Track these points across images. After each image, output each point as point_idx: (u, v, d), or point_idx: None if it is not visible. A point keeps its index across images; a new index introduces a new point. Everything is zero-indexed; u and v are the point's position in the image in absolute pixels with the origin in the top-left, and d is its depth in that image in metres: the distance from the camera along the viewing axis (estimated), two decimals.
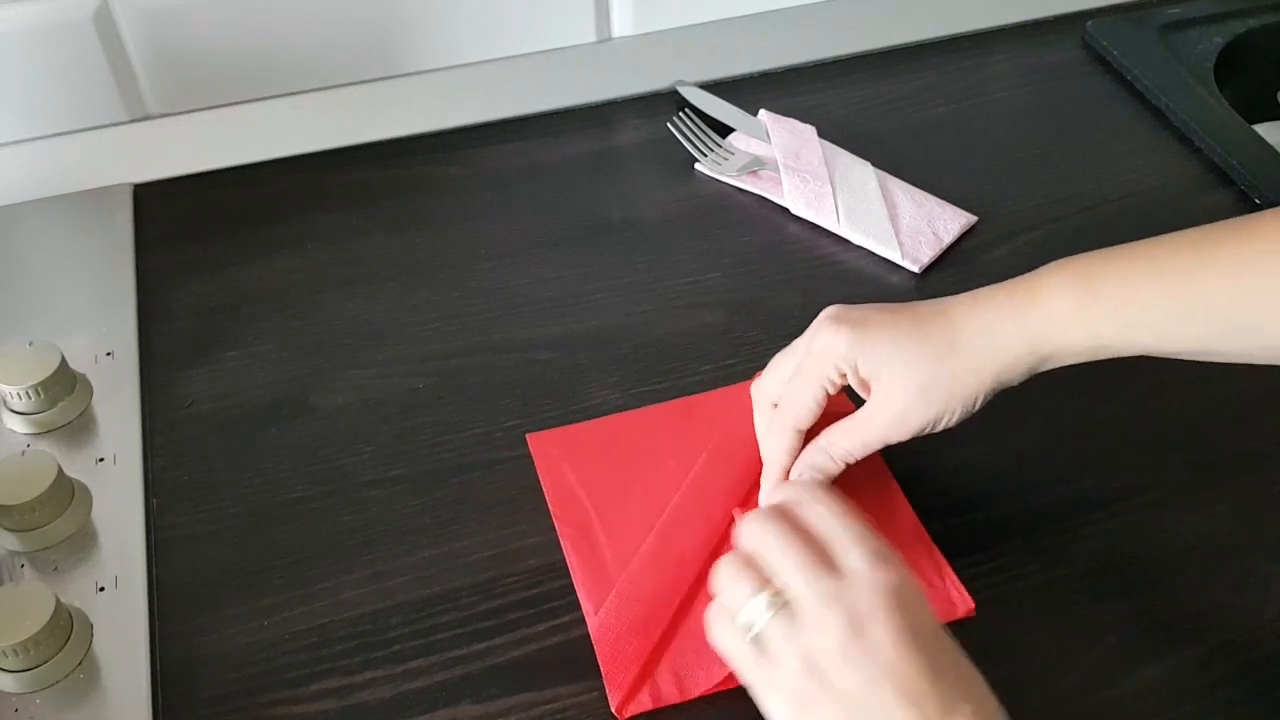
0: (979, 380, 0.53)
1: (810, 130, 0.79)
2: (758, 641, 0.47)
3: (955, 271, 0.72)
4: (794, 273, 0.72)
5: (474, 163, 0.80)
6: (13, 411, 0.63)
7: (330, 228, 0.75)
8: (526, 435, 0.63)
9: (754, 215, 0.76)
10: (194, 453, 0.63)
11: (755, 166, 0.78)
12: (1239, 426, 0.63)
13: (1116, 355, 0.52)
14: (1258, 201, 0.76)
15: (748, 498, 0.59)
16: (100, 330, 0.68)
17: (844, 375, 0.54)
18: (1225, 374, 0.63)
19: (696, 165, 0.79)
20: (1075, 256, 0.53)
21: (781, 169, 0.77)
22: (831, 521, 0.48)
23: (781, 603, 0.46)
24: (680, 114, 0.82)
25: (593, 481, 0.60)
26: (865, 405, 0.55)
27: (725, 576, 0.50)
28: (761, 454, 0.58)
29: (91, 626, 0.55)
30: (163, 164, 0.79)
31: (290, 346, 0.68)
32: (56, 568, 0.57)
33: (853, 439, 0.55)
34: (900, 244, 0.73)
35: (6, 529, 0.58)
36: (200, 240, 0.75)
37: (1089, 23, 0.89)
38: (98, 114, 0.82)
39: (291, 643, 0.55)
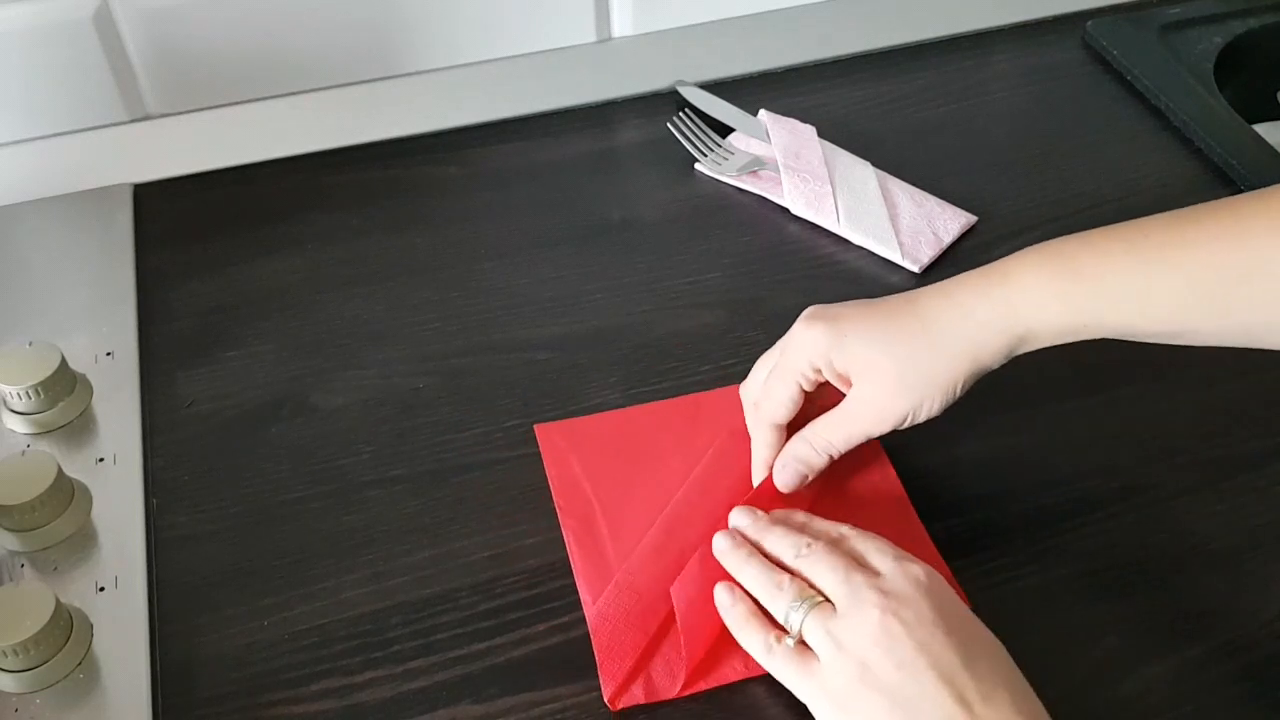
0: (956, 366, 0.53)
1: (810, 130, 0.79)
2: (794, 641, 0.49)
3: (955, 271, 0.71)
4: (794, 273, 0.72)
5: (474, 163, 0.80)
6: (13, 411, 0.63)
7: (330, 228, 0.75)
8: (534, 426, 0.63)
9: (754, 215, 0.76)
10: (194, 453, 0.63)
11: (755, 166, 0.78)
12: (1239, 426, 0.63)
13: (1094, 335, 0.52)
14: None
15: (753, 496, 0.59)
16: (100, 330, 0.68)
17: (819, 371, 0.55)
18: (1226, 374, 0.64)
19: (696, 165, 0.79)
20: (1049, 241, 0.53)
21: (781, 169, 0.77)
22: (855, 535, 0.52)
23: (817, 600, 0.49)
24: (680, 114, 0.82)
25: (598, 474, 0.61)
26: (846, 399, 0.55)
27: (758, 582, 0.51)
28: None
29: (91, 626, 0.55)
30: (163, 164, 0.79)
31: (290, 346, 0.68)
32: (56, 568, 0.57)
33: (835, 432, 0.56)
34: (900, 244, 0.73)
35: (6, 529, 0.58)
36: (200, 240, 0.75)
37: (1089, 23, 0.89)
38: (98, 114, 0.82)
39: (291, 643, 0.55)
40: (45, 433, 0.63)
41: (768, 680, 0.52)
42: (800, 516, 0.56)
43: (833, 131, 0.80)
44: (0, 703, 0.52)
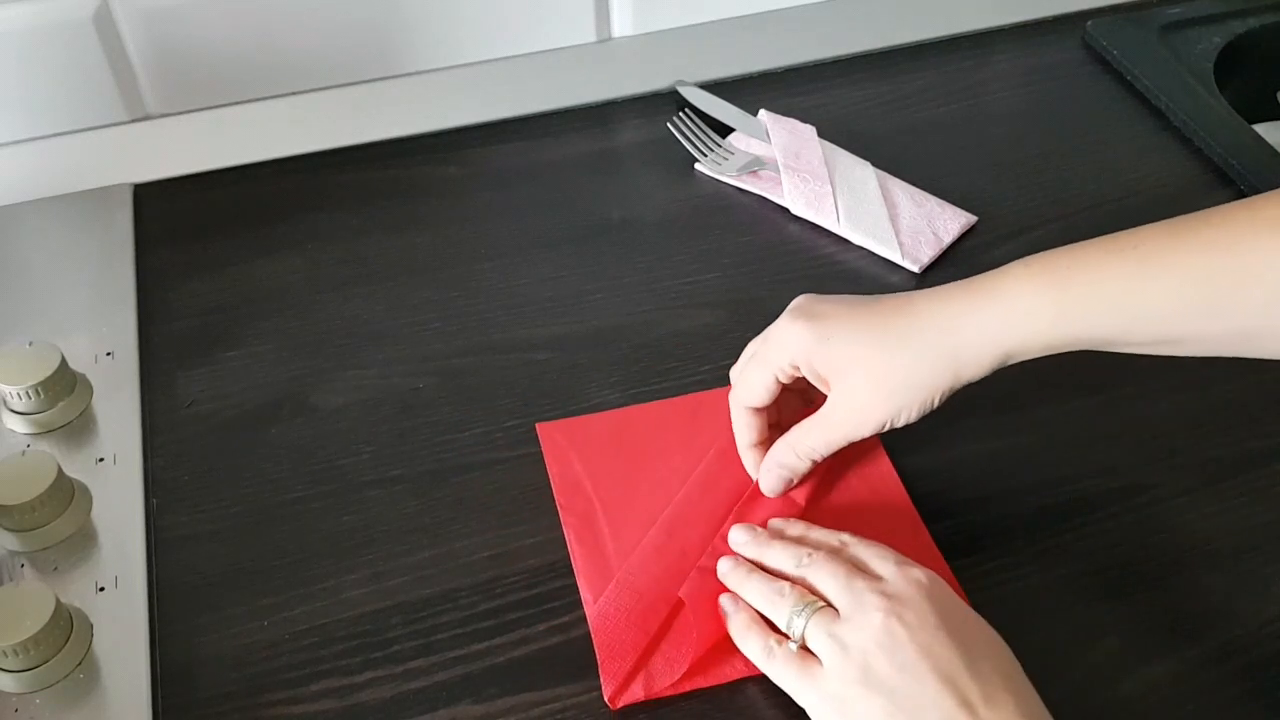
0: (936, 379, 0.52)
1: (810, 130, 0.79)
2: (797, 646, 0.50)
3: (955, 271, 0.72)
4: (794, 273, 0.72)
5: (474, 163, 0.80)
6: (13, 411, 0.63)
7: (330, 228, 0.75)
8: (536, 425, 0.63)
9: (754, 215, 0.76)
10: (194, 453, 0.63)
11: (755, 166, 0.78)
12: (1239, 426, 0.63)
13: (1083, 347, 0.51)
14: None
15: (752, 496, 0.59)
16: (100, 330, 0.68)
17: (796, 368, 0.55)
18: (1226, 374, 0.64)
19: (696, 165, 0.79)
20: (1038, 253, 0.52)
21: (781, 169, 0.77)
22: (855, 542, 0.53)
23: (819, 605, 0.50)
24: (680, 114, 0.82)
25: (599, 473, 0.61)
26: (826, 403, 0.55)
27: (760, 592, 0.51)
28: None
29: (91, 626, 0.55)
30: (163, 164, 0.79)
31: (290, 346, 0.68)
32: (56, 568, 0.57)
33: (814, 437, 0.56)
34: (900, 244, 0.73)
35: (6, 529, 0.58)
36: (200, 240, 0.75)
37: (1089, 23, 0.89)
38: (98, 114, 0.82)
39: (291, 643, 0.55)
40: (45, 433, 0.63)
41: (767, 680, 0.52)
42: (799, 527, 0.56)
43: (833, 131, 0.80)
44: (0, 703, 0.52)
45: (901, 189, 0.76)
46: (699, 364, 0.67)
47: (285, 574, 0.57)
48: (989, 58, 0.88)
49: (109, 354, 0.67)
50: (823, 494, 0.60)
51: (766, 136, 0.80)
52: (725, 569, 0.55)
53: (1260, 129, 0.81)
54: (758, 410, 0.57)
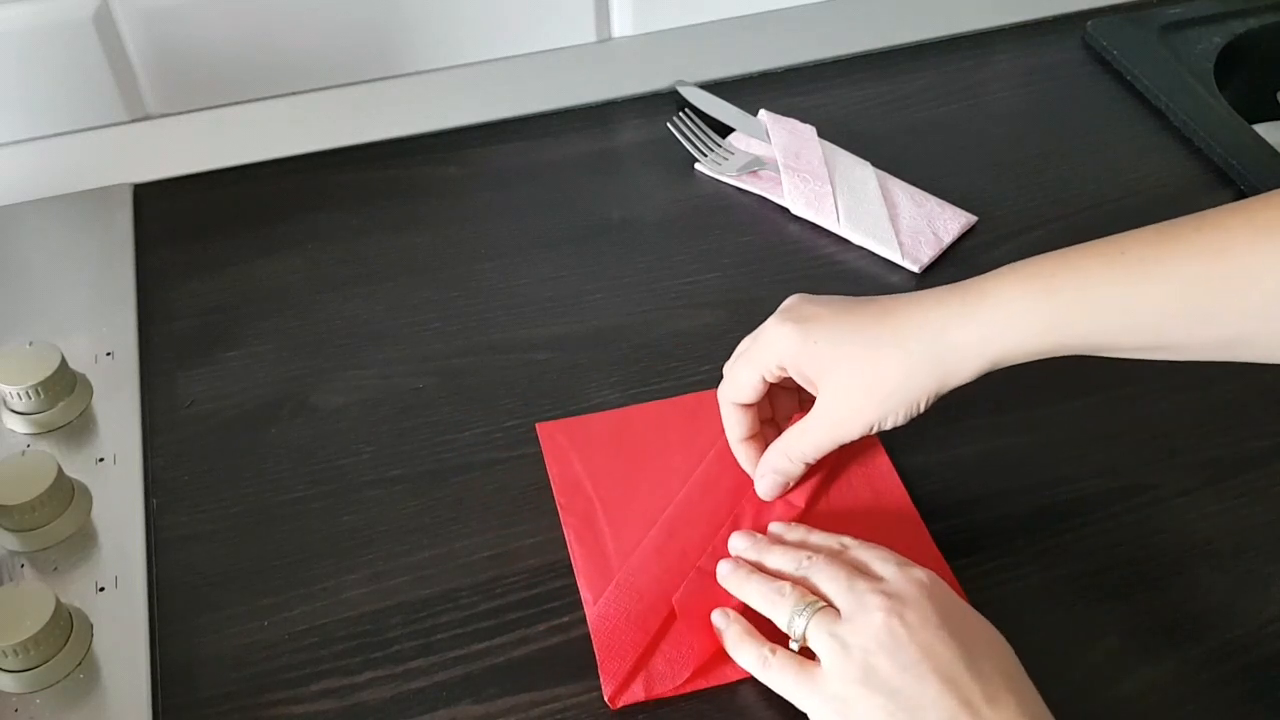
0: (924, 384, 0.52)
1: (810, 130, 0.79)
2: (798, 646, 0.50)
3: (955, 271, 0.72)
4: (794, 273, 0.72)
5: (474, 163, 0.80)
6: (13, 411, 0.63)
7: (330, 228, 0.75)
8: (536, 425, 0.63)
9: (754, 215, 0.76)
10: (194, 453, 0.63)
11: (755, 166, 0.78)
12: (1239, 426, 0.63)
13: (1071, 352, 0.51)
14: None
15: (753, 496, 0.59)
16: (100, 330, 0.68)
17: (784, 369, 0.55)
18: (1226, 374, 0.64)
19: (696, 165, 0.79)
20: (1029, 258, 0.52)
21: (781, 169, 0.77)
22: (856, 545, 0.53)
23: (820, 605, 0.50)
24: (680, 114, 0.82)
25: (599, 473, 0.61)
26: (814, 407, 0.56)
27: (759, 593, 0.52)
28: None
29: (91, 626, 0.55)
30: (163, 164, 0.79)
31: (290, 346, 0.68)
32: (56, 568, 0.57)
33: (804, 441, 0.56)
34: (900, 244, 0.73)
35: (6, 529, 0.58)
36: (200, 240, 0.75)
37: (1089, 23, 0.89)
38: (98, 114, 0.82)
39: (291, 643, 0.55)
40: (45, 433, 0.63)
41: None
42: (799, 532, 0.56)
43: (833, 131, 0.80)
44: (0, 703, 0.52)
45: (901, 189, 0.76)
46: (699, 364, 0.67)
47: (285, 574, 0.57)
48: (989, 58, 0.88)
49: (109, 354, 0.67)
50: (823, 494, 0.60)
51: (766, 136, 0.80)
52: (725, 571, 0.55)
53: (1260, 129, 0.81)
54: (745, 406, 0.58)
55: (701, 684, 0.53)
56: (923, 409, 0.53)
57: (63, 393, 0.63)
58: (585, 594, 0.56)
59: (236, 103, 0.84)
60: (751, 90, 0.85)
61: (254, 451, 0.63)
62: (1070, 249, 0.51)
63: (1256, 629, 0.55)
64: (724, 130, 0.81)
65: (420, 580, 0.57)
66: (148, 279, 0.72)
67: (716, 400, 0.62)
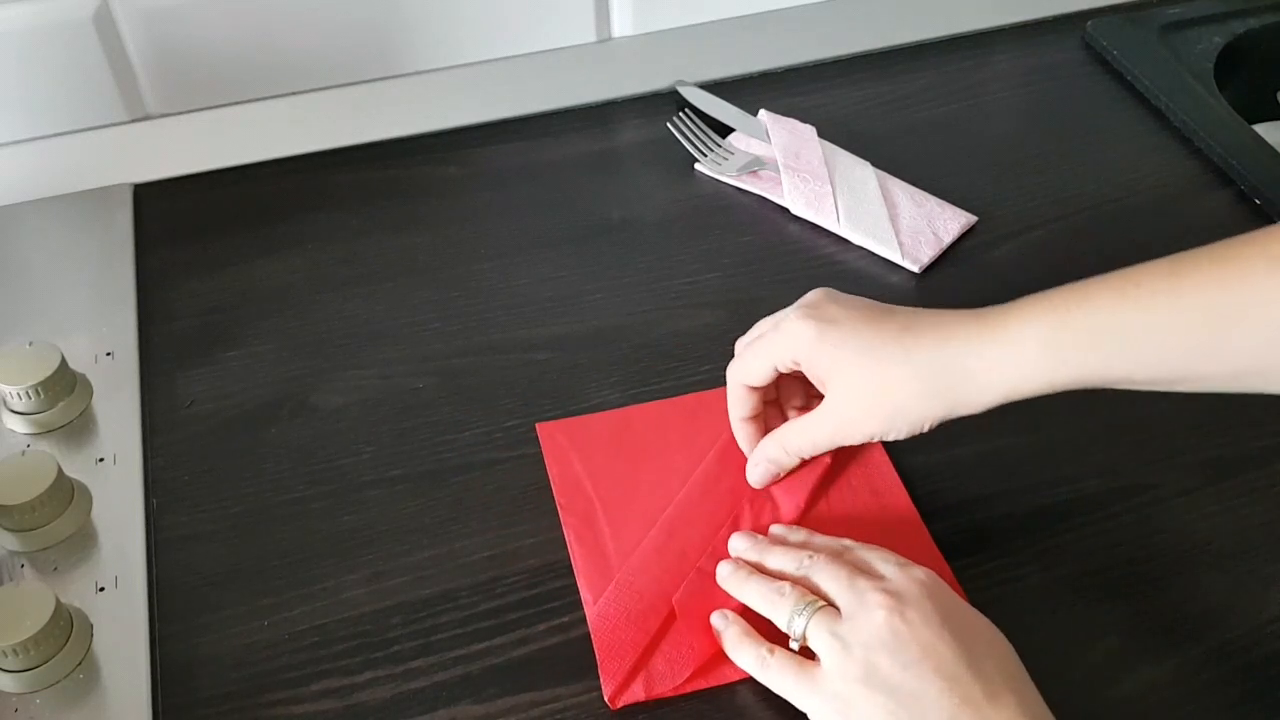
0: (931, 406, 0.53)
1: (810, 130, 0.79)
2: (798, 645, 0.50)
3: (955, 271, 0.72)
4: (794, 273, 0.72)
5: (474, 163, 0.80)
6: (13, 411, 0.63)
7: (330, 228, 0.75)
8: (536, 425, 0.63)
9: (754, 215, 0.76)
10: (194, 453, 0.63)
11: (755, 166, 0.78)
12: (1239, 426, 0.63)
13: (1087, 386, 0.51)
14: (1257, 202, 0.76)
15: (754, 496, 0.59)
16: (100, 330, 0.68)
17: (798, 364, 0.55)
18: None
19: (696, 165, 0.79)
20: (1045, 291, 0.52)
21: (781, 169, 0.77)
22: (858, 546, 0.53)
23: (820, 604, 0.50)
24: (680, 114, 0.82)
25: (599, 473, 0.61)
26: (819, 405, 0.56)
27: (759, 593, 0.52)
28: None
29: (91, 626, 0.55)
30: (163, 164, 0.79)
31: (290, 346, 0.68)
32: (56, 568, 0.57)
33: (803, 437, 0.57)
34: (900, 244, 0.73)
35: (6, 529, 0.58)
36: (200, 240, 0.75)
37: (1089, 23, 0.89)
38: (98, 114, 0.82)
39: (291, 643, 0.55)
40: (45, 433, 0.63)
41: None
42: (801, 534, 0.56)
43: (833, 131, 0.80)
44: (0, 703, 0.52)
45: (901, 189, 0.76)
46: (699, 364, 0.67)
47: (285, 574, 0.57)
48: (989, 58, 0.88)
49: (109, 354, 0.67)
50: (823, 493, 0.60)
51: (766, 136, 0.80)
52: (725, 573, 0.55)
53: (1260, 129, 0.81)
54: (753, 388, 0.58)
55: (701, 684, 0.53)
56: (927, 429, 0.54)
57: (63, 393, 0.63)
58: (585, 594, 0.56)
59: (236, 103, 0.84)
60: (751, 90, 0.85)
61: (254, 451, 0.63)
62: (1086, 281, 0.51)
63: (1256, 629, 0.55)
64: (724, 130, 0.81)
65: (420, 580, 0.57)
66: (148, 279, 0.72)
67: (716, 400, 0.62)
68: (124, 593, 0.56)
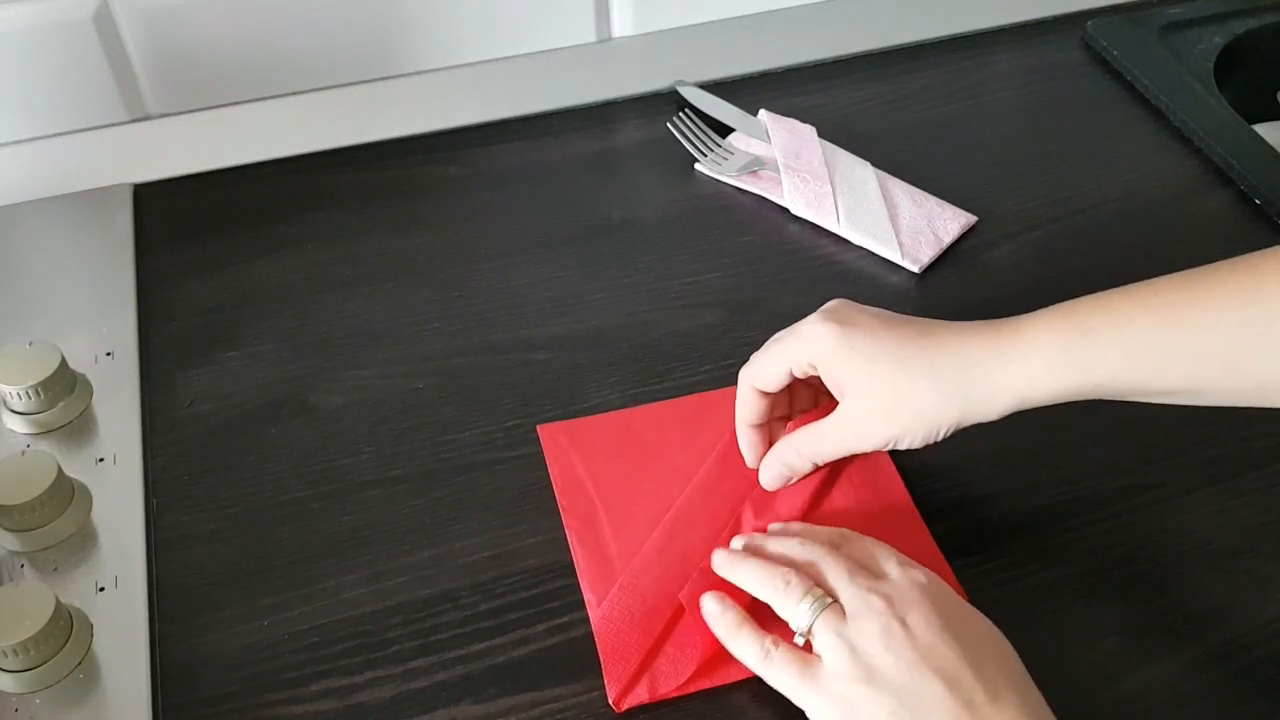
0: (947, 412, 0.53)
1: (810, 130, 0.79)
2: (803, 639, 0.50)
3: (955, 271, 0.72)
4: (794, 273, 0.72)
5: (474, 163, 0.80)
6: (13, 411, 0.63)
7: (330, 228, 0.75)
8: (537, 426, 0.63)
9: (754, 215, 0.76)
10: (194, 453, 0.63)
11: (755, 166, 0.78)
12: (1239, 426, 0.63)
13: (1102, 395, 0.51)
14: (1257, 202, 0.76)
15: (756, 497, 0.59)
16: (100, 330, 0.68)
17: (814, 368, 0.55)
18: None
19: (696, 165, 0.79)
20: (1065, 302, 0.52)
21: (781, 169, 0.77)
22: (856, 540, 0.53)
23: (829, 601, 0.50)
24: (680, 114, 0.82)
25: (601, 474, 0.61)
26: (834, 411, 0.56)
27: (761, 578, 0.51)
28: None
29: (91, 626, 0.55)
30: (163, 164, 0.79)
31: (290, 346, 0.68)
32: (56, 568, 0.57)
33: (816, 443, 0.57)
34: (900, 244, 0.73)
35: (6, 529, 0.58)
36: (200, 240, 0.75)
37: (1089, 23, 0.89)
38: (98, 114, 0.82)
39: (291, 643, 0.55)
40: (45, 433, 0.63)
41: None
42: (797, 528, 0.56)
43: (833, 131, 0.80)
44: (0, 703, 0.52)
45: (901, 189, 0.76)
46: (699, 364, 0.67)
47: (285, 574, 0.57)
48: (989, 58, 0.88)
49: (109, 354, 0.67)
50: (825, 493, 0.60)
51: (766, 136, 0.80)
52: (720, 559, 0.54)
53: (1260, 129, 0.81)
54: (764, 394, 0.58)
55: (705, 683, 0.53)
56: (942, 437, 0.54)
57: (63, 393, 0.63)
58: (588, 596, 0.56)
59: (236, 103, 0.84)
60: (751, 90, 0.85)
61: (254, 451, 0.63)
62: (1106, 292, 0.51)
63: (1256, 629, 0.55)
64: (724, 130, 0.81)
65: (420, 580, 0.57)
66: (148, 279, 0.72)
67: (718, 401, 0.62)
68: (124, 593, 0.56)
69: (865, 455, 0.61)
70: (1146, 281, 0.51)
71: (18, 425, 0.63)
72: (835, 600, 0.50)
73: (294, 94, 0.85)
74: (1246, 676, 0.53)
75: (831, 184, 0.76)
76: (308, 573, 0.57)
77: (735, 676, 0.53)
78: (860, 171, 0.77)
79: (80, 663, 0.53)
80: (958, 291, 0.71)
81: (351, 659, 0.54)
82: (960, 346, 0.53)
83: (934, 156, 0.80)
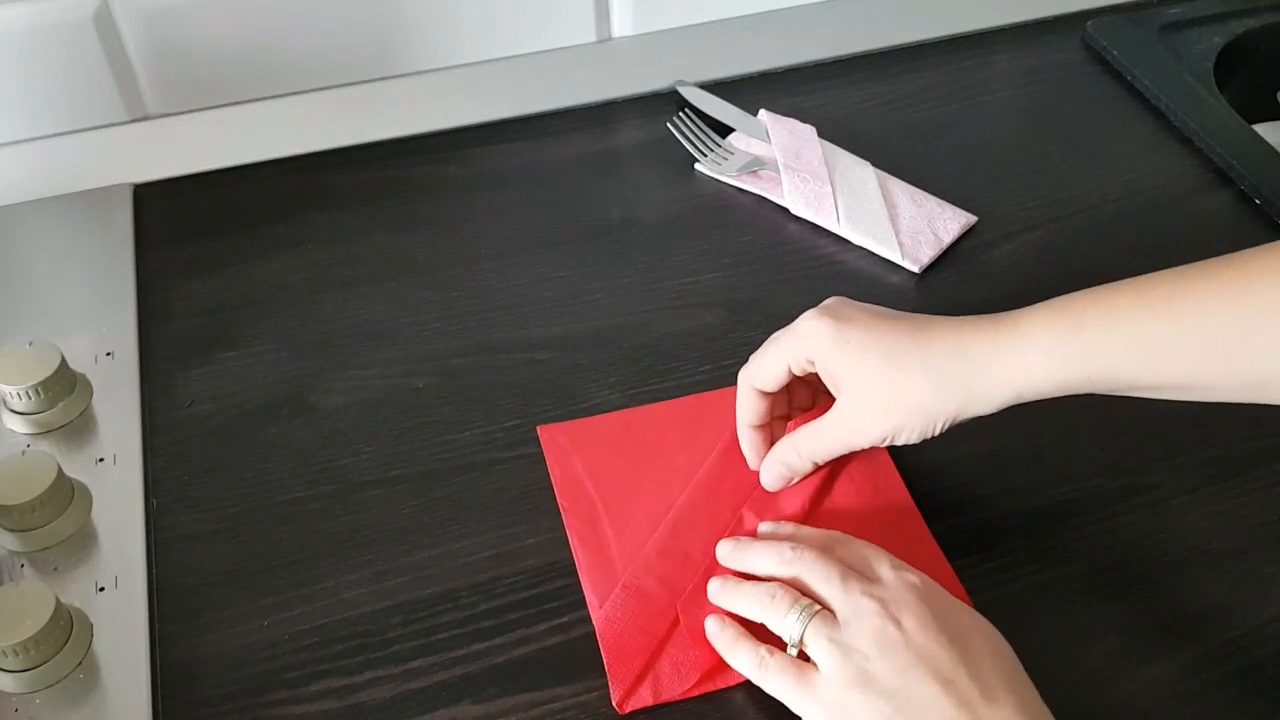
0: (944, 405, 0.53)
1: (810, 130, 0.79)
2: (796, 650, 0.50)
3: (955, 271, 0.72)
4: (794, 273, 0.72)
5: (474, 163, 0.80)
6: (13, 411, 0.63)
7: (330, 228, 0.75)
8: (537, 427, 0.63)
9: (754, 215, 0.76)
10: (194, 453, 0.63)
11: (755, 166, 0.78)
12: (1239, 426, 0.63)
13: (1097, 390, 0.51)
14: (1257, 202, 0.76)
15: (757, 497, 0.59)
16: (100, 330, 0.68)
17: (812, 364, 0.55)
18: None
19: (696, 165, 0.79)
20: (1061, 296, 0.52)
21: (781, 169, 0.77)
22: (847, 541, 0.53)
23: (817, 609, 0.50)
24: (680, 114, 0.82)
25: (601, 475, 0.61)
26: (832, 408, 0.56)
27: (750, 600, 0.52)
28: None
29: (91, 626, 0.55)
30: (163, 164, 0.79)
31: (290, 346, 0.68)
32: (56, 568, 0.57)
33: (814, 441, 0.57)
34: (900, 244, 0.73)
35: (6, 529, 0.58)
36: (200, 240, 0.75)
37: (1089, 23, 0.89)
38: (98, 114, 0.82)
39: (291, 643, 0.55)
40: (45, 433, 0.63)
41: None
42: (788, 528, 0.56)
43: (833, 131, 0.80)
44: (0, 703, 0.52)
45: (901, 189, 0.76)
46: (699, 364, 0.67)
47: (285, 574, 0.57)
48: (989, 58, 0.88)
49: (109, 354, 0.67)
50: (825, 494, 0.60)
51: (766, 136, 0.80)
52: (715, 589, 0.54)
53: (1260, 129, 0.81)
54: (764, 394, 0.58)
55: (709, 687, 0.53)
56: (939, 431, 0.54)
57: (63, 393, 0.63)
58: (590, 596, 0.56)
59: (236, 103, 0.84)
60: (751, 90, 0.85)
61: (254, 451, 0.63)
62: (1103, 286, 0.52)
63: (1256, 629, 0.55)
64: (724, 130, 0.81)
65: (420, 580, 0.57)
66: (148, 279, 0.72)
67: (718, 401, 0.62)
68: (124, 593, 0.56)
69: (865, 455, 0.61)
70: (1143, 276, 0.51)
71: (18, 425, 0.63)
72: (825, 607, 0.50)
73: (294, 94, 0.85)
74: (1246, 676, 0.53)
75: (831, 184, 0.76)
76: (308, 573, 0.57)
77: (737, 679, 0.53)
78: (860, 171, 0.77)
79: (80, 663, 0.53)
80: (958, 291, 0.71)
81: (351, 659, 0.54)
82: (956, 340, 0.53)
83: (934, 156, 0.80)
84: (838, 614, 0.49)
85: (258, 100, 0.84)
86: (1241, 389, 0.50)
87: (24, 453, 0.61)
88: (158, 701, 0.53)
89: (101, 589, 0.56)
